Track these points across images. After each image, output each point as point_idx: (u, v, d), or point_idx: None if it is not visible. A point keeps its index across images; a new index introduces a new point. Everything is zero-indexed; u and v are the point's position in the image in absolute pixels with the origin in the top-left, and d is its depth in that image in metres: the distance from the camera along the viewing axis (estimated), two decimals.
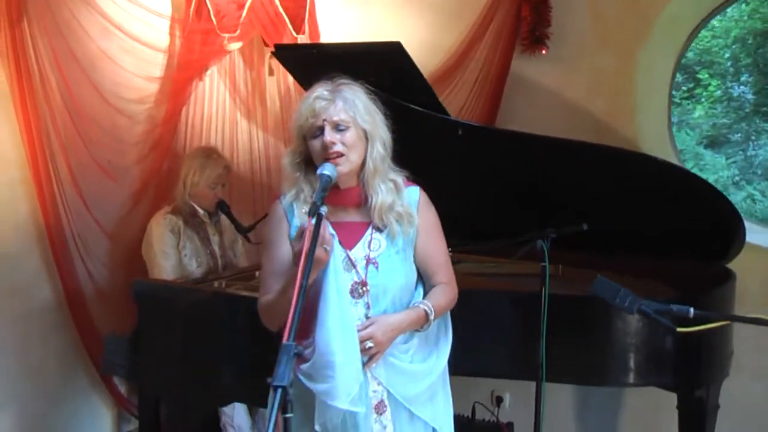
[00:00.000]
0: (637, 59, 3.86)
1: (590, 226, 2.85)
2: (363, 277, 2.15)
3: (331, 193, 2.09)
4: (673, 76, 4.04)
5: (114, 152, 3.95)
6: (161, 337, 3.07)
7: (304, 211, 2.14)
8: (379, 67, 2.85)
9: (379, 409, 2.19)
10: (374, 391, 2.17)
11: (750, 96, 9.30)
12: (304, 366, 2.10)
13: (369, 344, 2.10)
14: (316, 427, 2.12)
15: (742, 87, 9.31)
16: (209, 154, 3.90)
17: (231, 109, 4.49)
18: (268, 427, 1.55)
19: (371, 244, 2.19)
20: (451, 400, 2.35)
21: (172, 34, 4.18)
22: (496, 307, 2.99)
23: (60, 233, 3.72)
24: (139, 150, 4.02)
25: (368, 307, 2.16)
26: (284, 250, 2.20)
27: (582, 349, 3.01)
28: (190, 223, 3.81)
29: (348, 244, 2.17)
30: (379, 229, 2.20)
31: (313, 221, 1.93)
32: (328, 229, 2.04)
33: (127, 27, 3.94)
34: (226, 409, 3.64)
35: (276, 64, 4.40)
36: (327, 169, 2.05)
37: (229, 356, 2.95)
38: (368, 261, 2.16)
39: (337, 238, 2.14)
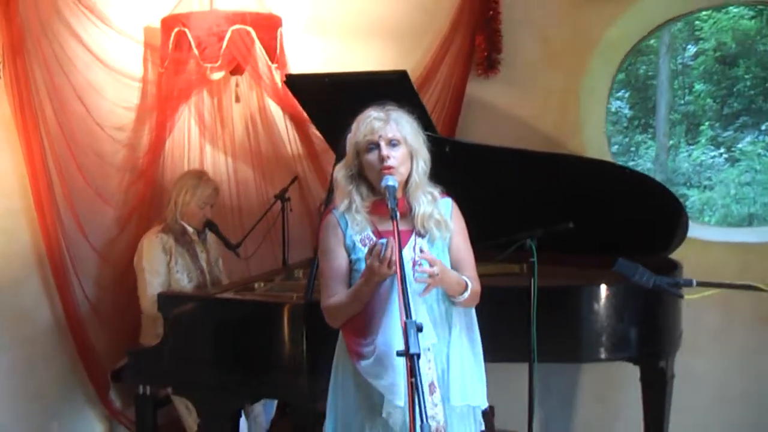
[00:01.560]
0: (581, 80, 4.47)
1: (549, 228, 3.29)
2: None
3: (382, 204, 2.50)
4: (609, 95, 4.70)
5: (104, 177, 4.28)
6: (187, 344, 3.41)
7: (352, 222, 2.55)
8: (385, 93, 3.32)
9: (431, 389, 2.54)
10: (429, 369, 2.55)
11: (626, 111, 10.34)
12: (365, 363, 2.46)
13: (432, 270, 2.39)
14: (383, 415, 2.49)
15: (618, 102, 10.26)
16: (200, 176, 4.28)
17: (196, 135, 4.84)
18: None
19: (416, 248, 2.57)
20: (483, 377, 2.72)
21: (145, 64, 4.55)
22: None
23: (59, 258, 4.02)
24: (126, 175, 4.35)
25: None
26: (341, 258, 2.58)
27: (560, 331, 3.51)
28: (180, 241, 4.17)
29: None
30: (421, 235, 2.58)
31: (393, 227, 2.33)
32: (391, 250, 2.35)
33: (108, 58, 4.28)
34: None
35: (242, 92, 4.83)
36: (390, 181, 2.44)
37: (249, 357, 3.33)
38: (414, 262, 2.50)
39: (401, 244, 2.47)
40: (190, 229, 4.21)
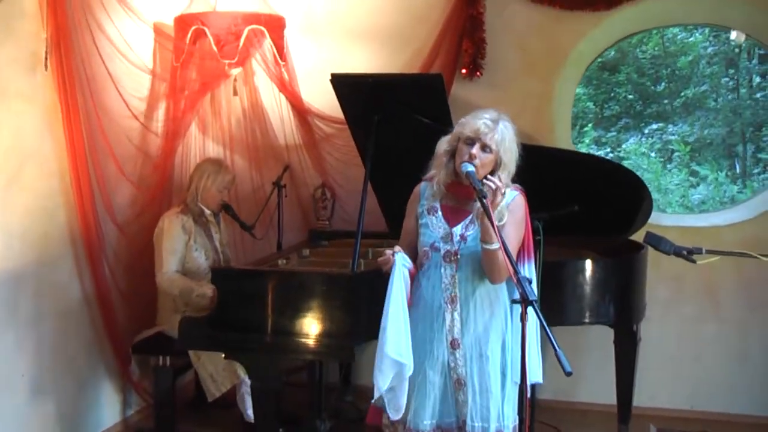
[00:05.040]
0: (554, 85, 5.41)
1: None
2: (456, 247, 3.24)
3: (456, 186, 3.23)
4: (573, 98, 5.66)
5: (132, 162, 4.91)
6: (241, 312, 4.06)
7: (428, 194, 3.29)
8: (419, 94, 4.09)
9: (454, 345, 3.25)
10: (452, 321, 3.24)
11: None
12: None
13: (492, 185, 2.97)
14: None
15: None
16: (221, 163, 4.97)
17: (194, 126, 5.51)
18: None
19: (468, 226, 3.24)
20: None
21: (154, 58, 5.17)
22: None
23: (95, 237, 4.61)
24: (150, 160, 4.97)
25: (456, 270, 3.20)
26: (410, 223, 3.36)
27: (550, 296, 4.23)
28: (198, 222, 4.84)
29: (453, 222, 3.27)
30: (477, 218, 3.19)
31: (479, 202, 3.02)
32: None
33: (129, 52, 4.88)
34: (246, 379, 4.58)
35: (239, 86, 5.49)
36: (470, 167, 3.05)
37: (299, 323, 4.00)
38: (462, 237, 3.25)
39: (443, 219, 3.25)
40: (207, 212, 4.87)
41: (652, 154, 11.30)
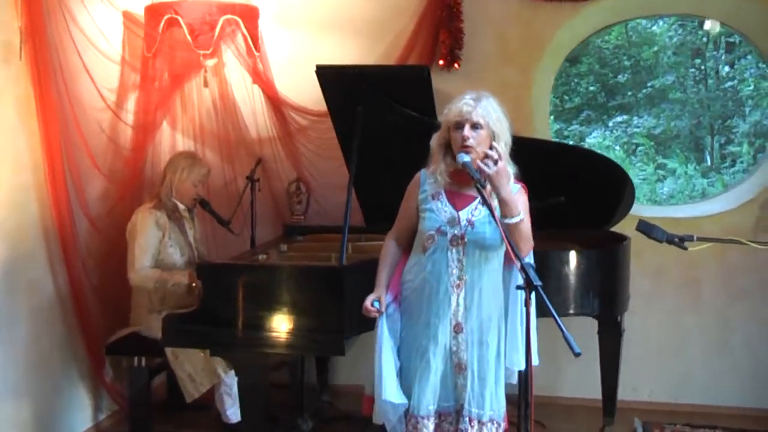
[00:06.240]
0: (533, 75, 5.57)
1: None
2: (462, 231, 3.38)
3: (460, 172, 3.34)
4: (551, 88, 5.85)
5: (104, 155, 4.96)
6: (227, 308, 4.12)
7: (431, 181, 3.44)
8: (405, 86, 4.22)
9: (458, 329, 3.41)
10: (457, 305, 3.40)
11: None
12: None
13: (493, 154, 3.15)
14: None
15: None
16: (195, 156, 5.06)
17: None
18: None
19: (474, 211, 3.41)
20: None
21: (123, 47, 5.23)
22: None
23: (70, 233, 4.65)
24: (124, 154, 5.04)
25: (463, 254, 3.35)
26: (410, 207, 3.51)
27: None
28: (171, 218, 4.91)
29: (459, 207, 3.42)
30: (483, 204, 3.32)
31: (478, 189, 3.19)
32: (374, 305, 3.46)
33: (101, 41, 4.95)
34: (226, 379, 4.74)
35: (210, 78, 5.57)
36: (465, 157, 3.23)
37: (280, 315, 4.09)
38: (469, 222, 3.40)
39: (448, 203, 3.41)
40: (181, 206, 4.94)
41: (617, 148, 11.56)
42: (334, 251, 4.68)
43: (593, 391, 5.17)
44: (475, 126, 3.29)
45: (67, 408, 4.90)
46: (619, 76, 12.04)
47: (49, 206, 4.56)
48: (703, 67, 11.56)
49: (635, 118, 11.71)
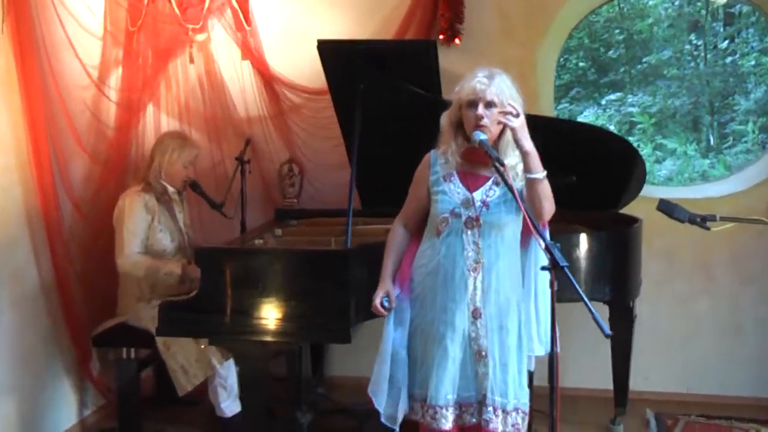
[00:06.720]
0: (536, 51, 5.42)
1: None
2: (477, 213, 3.29)
3: (473, 152, 3.26)
4: (555, 65, 5.71)
5: (87, 134, 4.78)
6: (228, 295, 3.96)
7: (442, 162, 3.34)
8: (409, 61, 4.07)
9: (476, 314, 3.32)
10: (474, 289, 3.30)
11: None
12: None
13: (511, 110, 3.12)
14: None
15: None
16: (185, 137, 4.90)
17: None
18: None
19: (489, 191, 3.33)
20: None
21: (105, 23, 5.04)
22: None
23: (56, 218, 4.48)
24: (108, 134, 4.86)
25: (478, 236, 3.27)
26: (420, 189, 3.41)
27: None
28: (161, 201, 4.74)
29: (472, 188, 3.32)
30: (497, 183, 3.30)
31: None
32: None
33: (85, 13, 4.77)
34: (221, 370, 4.58)
35: (195, 53, 5.40)
36: (482, 135, 3.16)
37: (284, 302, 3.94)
38: (483, 203, 3.30)
39: (461, 184, 3.31)
40: (170, 189, 4.78)
41: (611, 127, 11.40)
42: (332, 235, 4.58)
43: (597, 381, 5.10)
44: (489, 104, 3.20)
45: (53, 403, 4.73)
46: (611, 51, 11.83)
47: (33, 189, 4.38)
48: (703, 41, 11.36)
49: (629, 96, 11.54)
